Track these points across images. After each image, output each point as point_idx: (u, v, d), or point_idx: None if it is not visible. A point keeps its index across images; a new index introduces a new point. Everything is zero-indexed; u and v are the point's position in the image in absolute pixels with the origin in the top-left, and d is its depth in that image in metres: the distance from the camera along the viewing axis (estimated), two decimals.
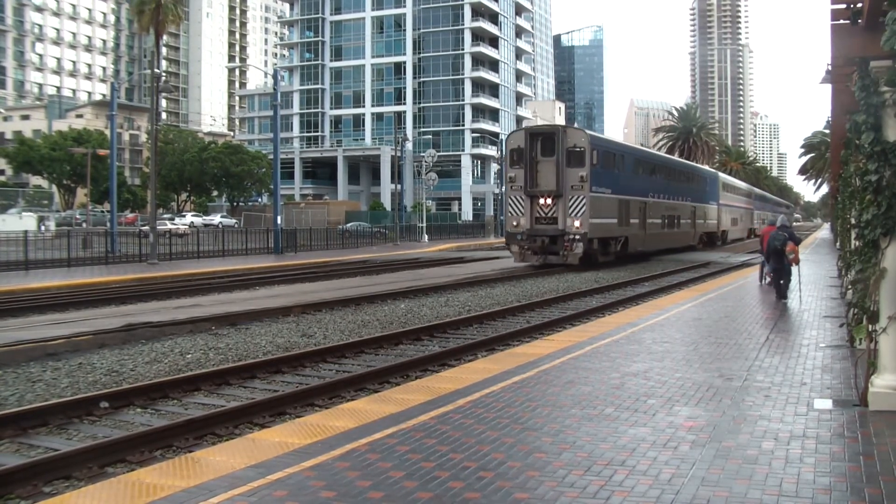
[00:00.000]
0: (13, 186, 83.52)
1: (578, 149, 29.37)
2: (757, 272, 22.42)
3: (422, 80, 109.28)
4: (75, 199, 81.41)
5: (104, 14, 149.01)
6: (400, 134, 69.53)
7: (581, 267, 29.60)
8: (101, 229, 44.76)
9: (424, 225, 59.22)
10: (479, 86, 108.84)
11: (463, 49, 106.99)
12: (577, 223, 28.83)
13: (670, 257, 39.91)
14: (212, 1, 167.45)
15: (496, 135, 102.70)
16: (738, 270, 30.08)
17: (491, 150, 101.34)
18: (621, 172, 33.26)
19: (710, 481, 5.17)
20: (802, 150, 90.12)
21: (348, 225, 62.21)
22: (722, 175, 62.02)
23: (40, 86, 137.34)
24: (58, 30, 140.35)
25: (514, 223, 30.12)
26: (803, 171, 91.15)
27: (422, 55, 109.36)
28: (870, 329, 7.37)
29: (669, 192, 40.23)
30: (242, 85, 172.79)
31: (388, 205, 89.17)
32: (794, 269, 17.65)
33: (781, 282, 17.01)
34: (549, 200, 29.50)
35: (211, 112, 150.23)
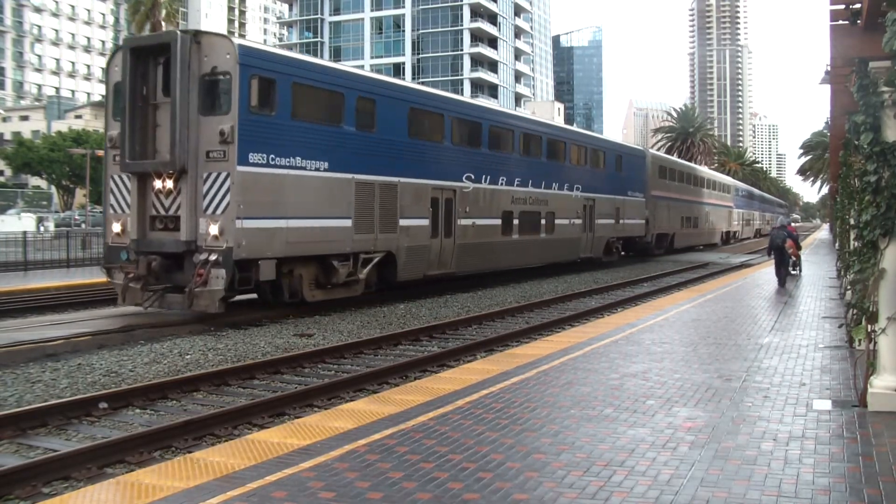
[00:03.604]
0: (12, 187, 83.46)
1: (221, 76, 15.00)
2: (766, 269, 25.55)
3: (421, 80, 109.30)
4: (74, 199, 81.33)
5: (103, 15, 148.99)
6: None
7: (221, 317, 15.31)
8: (99, 230, 44.66)
9: None
10: (478, 86, 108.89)
11: (462, 50, 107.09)
12: (213, 228, 14.70)
13: (670, 258, 39.71)
14: (211, 1, 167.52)
15: None
16: (737, 271, 30.13)
17: None
18: (365, 132, 18.05)
19: (709, 482, 5.17)
20: (802, 151, 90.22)
21: None
22: (656, 154, 43.46)
23: (39, 86, 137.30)
24: (56, 31, 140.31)
25: (118, 228, 16.08)
26: (802, 171, 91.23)
27: (421, 56, 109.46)
28: (869, 330, 7.39)
29: (530, 175, 25.61)
30: None
31: None
32: (794, 260, 22.28)
33: (782, 272, 20.71)
34: (168, 183, 15.22)
35: None
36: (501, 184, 23.88)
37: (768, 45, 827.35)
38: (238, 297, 16.57)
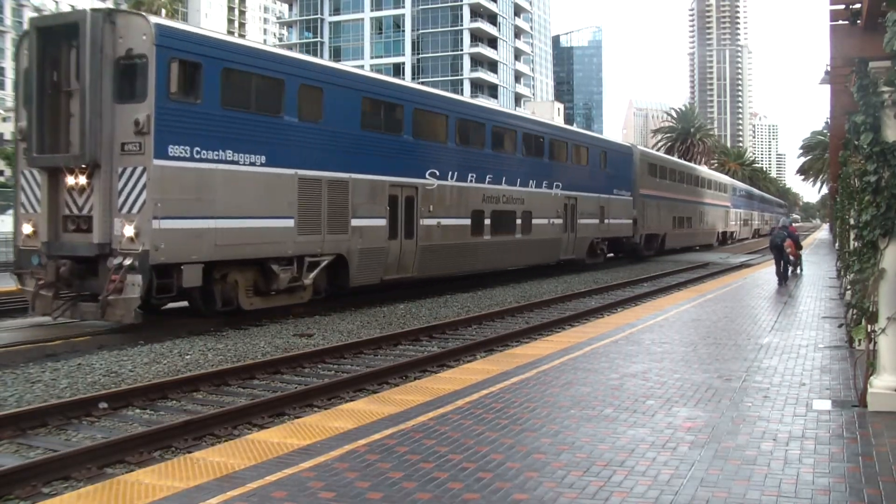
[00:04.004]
0: (12, 187, 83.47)
1: (137, 59, 13.62)
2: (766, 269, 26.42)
3: (421, 80, 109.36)
4: None
5: None
6: None
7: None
8: None
9: None
10: (478, 86, 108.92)
11: (462, 50, 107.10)
12: (128, 230, 13.36)
13: (670, 258, 39.68)
14: (211, 1, 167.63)
15: None
16: (737, 271, 30.14)
17: None
18: (310, 123, 16.67)
19: (709, 482, 5.17)
20: (801, 151, 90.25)
21: None
22: (645, 151, 41.60)
23: None
24: None
25: (29, 230, 14.60)
26: (802, 171, 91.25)
27: (420, 56, 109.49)
28: (869, 330, 7.39)
29: (504, 172, 24.23)
30: None
31: None
32: (792, 259, 23.02)
33: (782, 271, 21.48)
34: (81, 179, 13.83)
35: None
36: (471, 181, 22.37)
37: (768, 45, 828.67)
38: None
